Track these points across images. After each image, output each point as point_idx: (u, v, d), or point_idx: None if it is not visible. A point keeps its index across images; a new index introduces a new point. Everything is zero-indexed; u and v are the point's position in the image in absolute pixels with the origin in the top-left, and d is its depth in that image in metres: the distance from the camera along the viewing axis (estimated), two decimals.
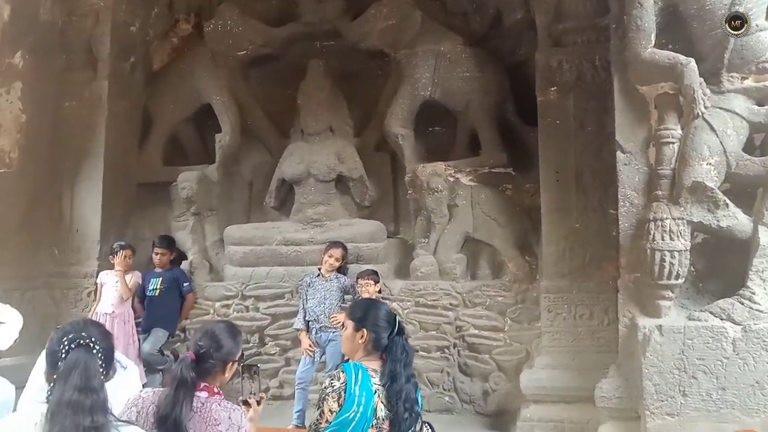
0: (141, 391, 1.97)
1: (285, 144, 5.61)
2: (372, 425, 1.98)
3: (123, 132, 5.48)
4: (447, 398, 4.60)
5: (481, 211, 4.85)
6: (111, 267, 4.76)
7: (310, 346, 4.32)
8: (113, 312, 4.56)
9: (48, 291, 5.05)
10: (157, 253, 4.90)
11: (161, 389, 1.91)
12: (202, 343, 1.95)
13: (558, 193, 4.22)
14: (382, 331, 2.08)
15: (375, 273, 4.31)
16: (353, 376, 2.01)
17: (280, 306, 4.95)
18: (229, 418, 1.89)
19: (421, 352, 4.60)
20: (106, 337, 1.62)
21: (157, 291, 4.82)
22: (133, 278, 4.75)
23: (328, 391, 2.00)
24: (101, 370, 1.52)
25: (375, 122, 5.54)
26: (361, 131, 5.61)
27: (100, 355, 1.53)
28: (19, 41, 5.04)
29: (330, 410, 1.98)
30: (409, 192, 5.07)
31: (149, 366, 4.60)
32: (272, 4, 5.85)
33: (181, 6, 5.94)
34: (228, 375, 2.02)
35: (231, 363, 2.00)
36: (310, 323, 4.37)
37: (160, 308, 4.80)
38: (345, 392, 1.98)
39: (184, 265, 5.25)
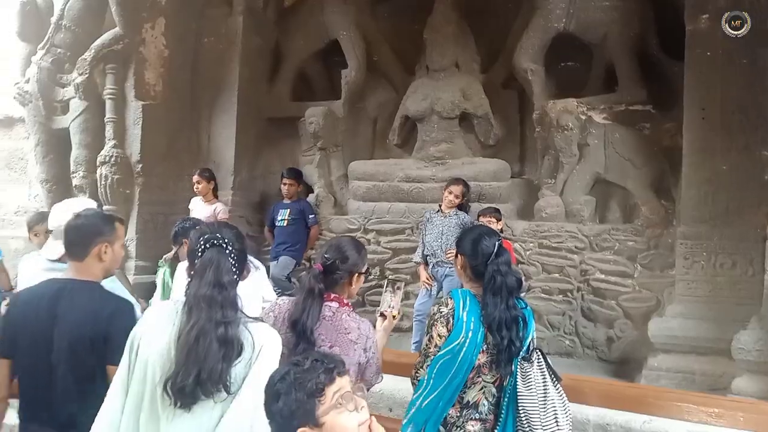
0: (279, 299, 2.08)
1: (410, 81, 5.56)
2: (482, 350, 1.97)
3: (255, 67, 5.68)
4: (568, 342, 4.48)
5: (614, 151, 4.57)
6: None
7: (427, 279, 4.36)
8: None
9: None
10: (285, 184, 5.08)
11: (295, 298, 2.00)
12: (329, 255, 2.01)
13: (702, 133, 3.87)
14: (477, 257, 2.04)
15: (497, 211, 4.23)
16: (461, 302, 2.01)
17: (400, 241, 5.01)
18: (358, 328, 1.96)
19: (542, 295, 4.51)
20: (240, 238, 1.68)
21: (285, 222, 5.02)
22: (217, 207, 4.82)
23: (436, 317, 2.02)
24: (233, 269, 1.59)
25: (503, 58, 5.34)
26: (488, 67, 5.43)
27: (232, 255, 1.60)
28: None
29: (439, 335, 2.00)
30: (537, 130, 4.88)
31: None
32: None
33: None
34: (355, 287, 2.08)
35: (357, 275, 2.05)
36: (428, 257, 4.40)
37: (288, 237, 5.01)
38: (453, 318, 1.99)
39: (310, 198, 5.43)
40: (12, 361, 1.87)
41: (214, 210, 4.79)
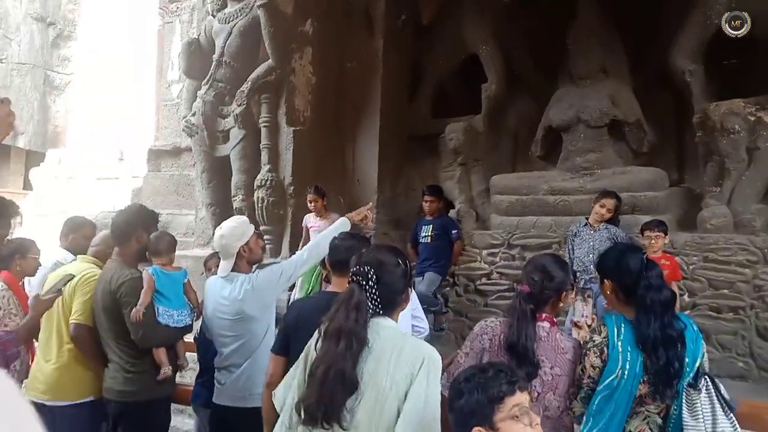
0: (487, 320, 2.13)
1: (552, 90, 5.41)
2: (643, 380, 1.85)
3: (396, 87, 5.82)
4: (741, 364, 4.07)
5: None
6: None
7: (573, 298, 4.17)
8: None
9: None
10: (426, 201, 5.13)
11: (503, 319, 2.05)
12: (535, 277, 1.99)
13: None
14: (624, 276, 1.92)
15: (662, 224, 3.94)
16: (615, 330, 1.91)
17: None
18: (573, 347, 1.97)
19: (710, 312, 4.14)
20: (392, 270, 1.72)
21: (429, 238, 5.06)
22: (332, 220, 4.94)
23: (589, 345, 1.93)
24: (374, 304, 1.66)
25: (655, 59, 5.01)
26: (637, 69, 5.14)
27: (374, 291, 1.66)
28: (309, 11, 5.61)
29: (592, 365, 1.91)
30: (698, 134, 4.52)
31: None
32: None
33: None
34: (563, 304, 2.07)
35: (565, 292, 2.03)
36: (578, 273, 4.21)
37: (432, 253, 5.04)
38: (608, 347, 1.89)
39: (452, 214, 5.43)
40: (287, 359, 2.11)
41: (332, 221, 4.96)
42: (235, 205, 5.60)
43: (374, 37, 5.71)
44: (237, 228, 2.79)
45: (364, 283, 1.65)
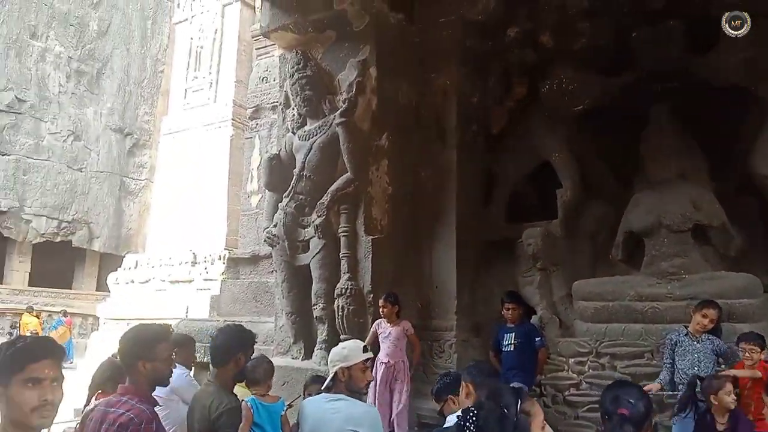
0: None
1: (627, 194, 5.44)
2: None
3: (470, 194, 5.96)
4: None
5: None
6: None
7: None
8: (388, 361, 4.98)
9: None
10: (508, 309, 5.10)
11: None
12: (631, 400, 1.95)
13: None
14: None
15: (760, 337, 3.82)
16: None
17: (639, 366, 4.69)
18: None
19: None
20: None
21: (512, 346, 5.00)
22: (405, 325, 5.10)
23: None
24: None
25: (735, 163, 5.02)
26: (719, 174, 5.14)
27: None
28: (385, 125, 5.90)
29: None
30: None
31: None
32: (606, 54, 5.82)
33: (514, 71, 6.31)
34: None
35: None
36: (679, 386, 4.05)
37: (517, 362, 4.96)
38: None
39: (534, 320, 5.38)
40: None
41: (403, 328, 5.12)
42: (316, 313, 5.70)
43: (447, 147, 5.92)
44: (344, 350, 2.82)
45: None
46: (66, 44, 18.90)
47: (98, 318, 11.52)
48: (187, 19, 12.53)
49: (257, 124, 7.78)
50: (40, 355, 1.68)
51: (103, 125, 19.77)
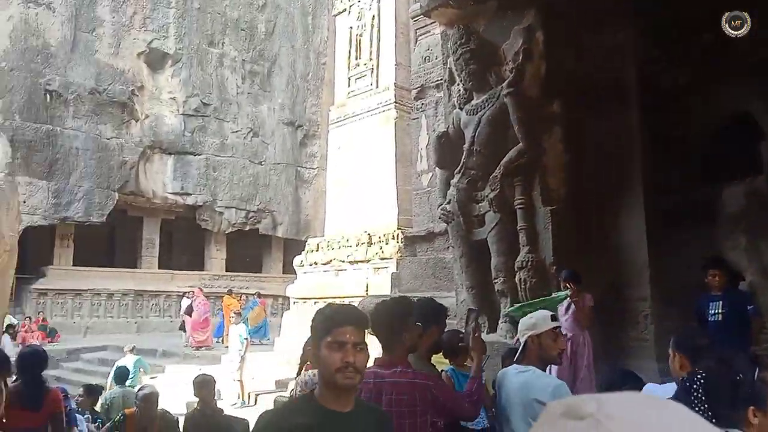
0: None
1: None
2: None
3: (655, 157, 5.55)
4: None
5: None
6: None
7: None
8: (568, 335, 4.79)
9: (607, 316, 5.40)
10: (712, 276, 4.71)
11: None
12: None
13: None
14: None
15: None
16: None
17: None
18: None
19: None
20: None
21: (719, 315, 4.61)
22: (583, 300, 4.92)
23: None
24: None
25: None
26: None
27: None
28: (556, 90, 5.66)
29: None
30: None
31: None
32: None
33: (693, 22, 5.73)
34: None
35: None
36: None
37: (724, 333, 4.56)
38: None
39: (742, 287, 4.91)
40: None
41: (583, 301, 4.98)
42: (497, 287, 5.69)
43: (627, 109, 5.56)
44: (531, 319, 2.85)
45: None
46: (239, 48, 20.50)
47: (288, 298, 12.42)
48: (345, 10, 12.91)
49: (422, 104, 7.87)
50: (344, 321, 1.83)
51: (277, 120, 21.23)
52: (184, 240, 21.85)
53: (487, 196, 5.73)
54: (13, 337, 13.29)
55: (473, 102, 6.06)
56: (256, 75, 20.91)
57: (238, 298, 15.97)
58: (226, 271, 20.95)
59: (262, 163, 20.98)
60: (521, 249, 5.48)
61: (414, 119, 7.96)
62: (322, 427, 1.75)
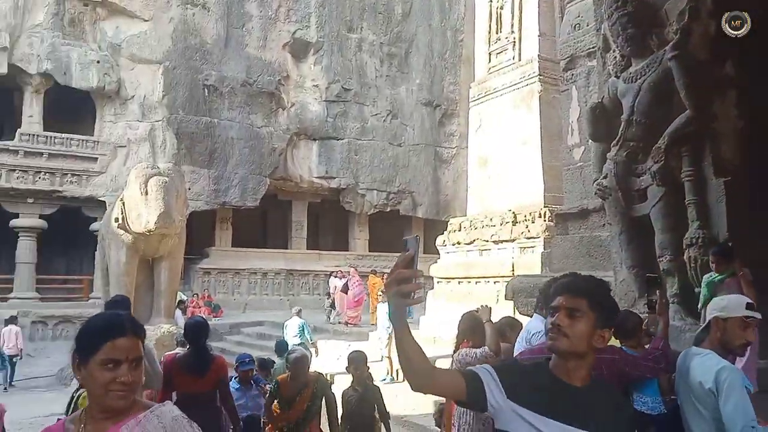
0: None
1: None
2: None
3: None
4: None
5: None
6: None
7: None
8: None
9: None
10: None
11: None
12: None
13: None
14: None
15: None
16: None
17: None
18: None
19: None
20: None
21: None
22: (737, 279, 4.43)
23: None
24: None
25: None
26: None
27: None
28: (728, 50, 5.14)
29: None
30: None
31: None
32: None
33: None
34: None
35: None
36: None
37: None
38: None
39: None
40: None
41: (739, 280, 4.50)
42: (662, 266, 5.32)
43: None
44: (722, 301, 2.66)
45: None
46: (377, 31, 20.84)
47: (431, 277, 12.56)
48: None
49: (572, 74, 7.51)
50: None
51: (415, 101, 21.38)
52: (329, 221, 22.82)
53: (649, 168, 5.36)
54: (184, 312, 14.64)
55: (631, 69, 5.68)
56: (394, 57, 21.16)
57: (382, 277, 16.41)
58: (370, 251, 21.58)
59: (402, 144, 21.26)
60: (690, 225, 5.08)
61: (563, 91, 7.62)
62: (555, 395, 1.70)
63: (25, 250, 17.05)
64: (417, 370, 1.68)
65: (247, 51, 18.98)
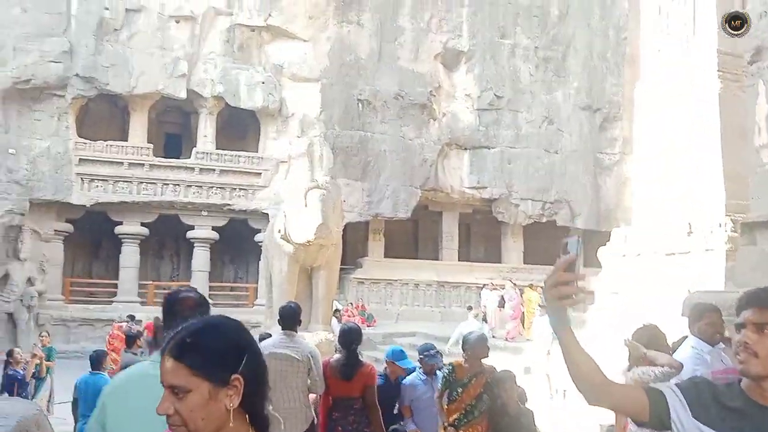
0: None
1: None
2: None
3: None
4: None
5: None
6: None
7: None
8: None
9: None
10: None
11: None
12: None
13: None
14: None
15: None
16: None
17: None
18: None
19: None
20: None
21: None
22: None
23: None
24: None
25: None
26: None
27: None
28: None
29: None
30: None
31: None
32: None
33: None
34: None
35: None
36: None
37: None
38: None
39: None
40: None
41: None
42: None
43: None
44: None
45: None
46: (531, 35, 20.17)
47: (592, 292, 11.78)
48: None
49: (758, 67, 6.56)
50: None
51: (572, 105, 20.37)
52: (481, 232, 22.39)
53: None
54: (339, 320, 15.05)
55: None
56: (550, 61, 20.35)
57: (538, 291, 15.73)
58: (524, 263, 20.84)
59: (558, 152, 20.33)
60: None
61: (749, 86, 6.69)
62: (746, 417, 1.61)
63: (200, 259, 18.58)
64: (590, 381, 1.62)
65: (399, 64, 19.23)
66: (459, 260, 20.97)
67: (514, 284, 15.72)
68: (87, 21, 16.85)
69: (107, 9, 17.03)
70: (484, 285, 16.96)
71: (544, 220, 20.41)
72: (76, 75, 16.69)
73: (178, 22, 17.77)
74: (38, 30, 16.33)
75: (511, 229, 21.03)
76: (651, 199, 10.96)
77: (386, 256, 20.43)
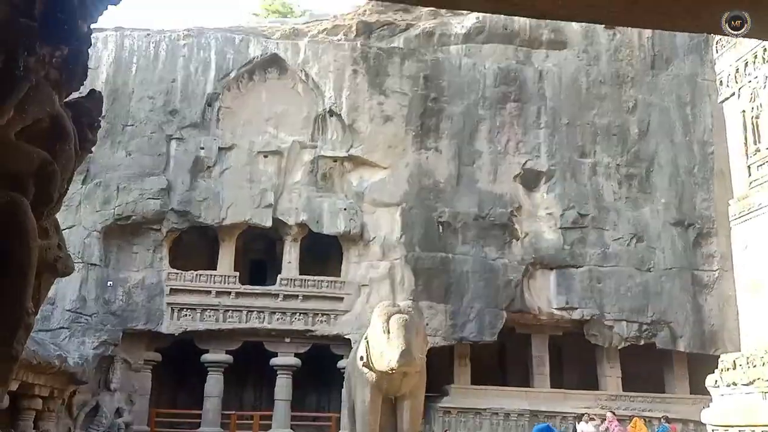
0: None
1: None
2: None
3: None
4: None
5: None
6: None
7: None
8: None
9: None
10: None
11: None
12: None
13: None
14: None
15: None
16: None
17: None
18: None
19: None
20: None
21: None
22: None
23: None
24: None
25: None
26: None
27: None
28: None
29: None
30: None
31: None
32: None
33: None
34: None
35: None
36: None
37: None
38: None
39: None
40: None
41: None
42: None
43: None
44: None
45: None
46: (612, 153, 19.94)
47: (702, 424, 10.62)
48: (734, 94, 11.82)
49: None
50: None
51: (662, 221, 19.58)
52: (573, 356, 21.09)
53: None
54: None
55: None
56: (633, 178, 19.90)
57: (647, 421, 14.38)
58: (624, 390, 19.25)
59: (651, 269, 19.30)
60: None
61: None
62: None
63: (283, 387, 18.40)
64: None
65: (478, 186, 19.38)
66: (551, 387, 19.66)
67: (614, 413, 14.41)
68: (184, 161, 18.30)
69: (202, 148, 18.48)
70: (582, 415, 15.68)
71: (642, 342, 19.03)
72: (172, 209, 17.88)
73: (266, 156, 18.96)
74: (140, 171, 17.86)
75: (606, 352, 19.69)
76: (757, 320, 10.09)
77: (473, 382, 19.49)
